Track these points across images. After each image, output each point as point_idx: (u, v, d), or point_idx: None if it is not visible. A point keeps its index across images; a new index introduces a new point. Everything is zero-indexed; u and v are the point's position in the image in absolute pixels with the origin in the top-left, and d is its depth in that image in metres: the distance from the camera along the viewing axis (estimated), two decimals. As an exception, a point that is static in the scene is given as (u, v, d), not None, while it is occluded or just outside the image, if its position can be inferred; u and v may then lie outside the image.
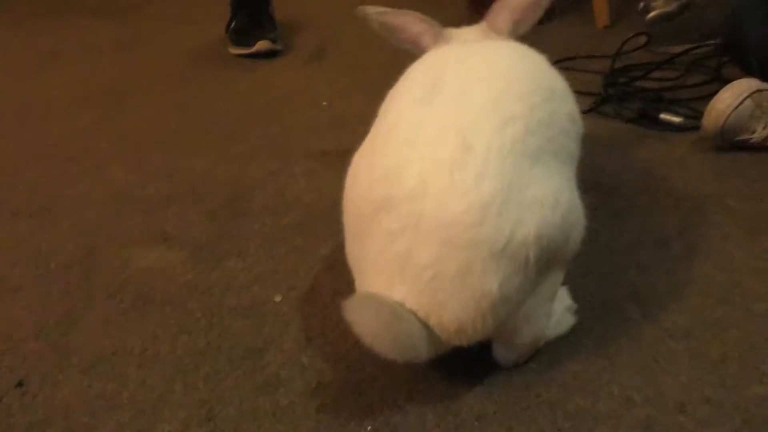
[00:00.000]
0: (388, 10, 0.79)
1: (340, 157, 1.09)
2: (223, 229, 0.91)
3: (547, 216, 0.54)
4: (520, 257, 0.53)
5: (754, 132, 1.01)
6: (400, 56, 1.61)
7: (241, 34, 1.62)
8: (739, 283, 0.77)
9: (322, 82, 1.44)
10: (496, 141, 0.54)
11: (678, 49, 1.44)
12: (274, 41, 1.60)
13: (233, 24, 1.66)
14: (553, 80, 0.65)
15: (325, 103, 1.34)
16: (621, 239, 0.86)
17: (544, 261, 0.55)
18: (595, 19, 1.75)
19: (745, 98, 0.99)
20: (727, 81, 1.19)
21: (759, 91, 1.01)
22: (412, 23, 0.80)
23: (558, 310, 0.68)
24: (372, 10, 0.79)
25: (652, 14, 1.77)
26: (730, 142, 1.03)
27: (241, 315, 0.75)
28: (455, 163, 0.52)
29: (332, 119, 1.25)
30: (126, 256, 0.86)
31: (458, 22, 1.95)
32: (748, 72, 1.13)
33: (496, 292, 0.53)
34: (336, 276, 0.80)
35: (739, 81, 1.03)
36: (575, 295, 0.75)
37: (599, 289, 0.77)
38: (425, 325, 0.54)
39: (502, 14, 0.79)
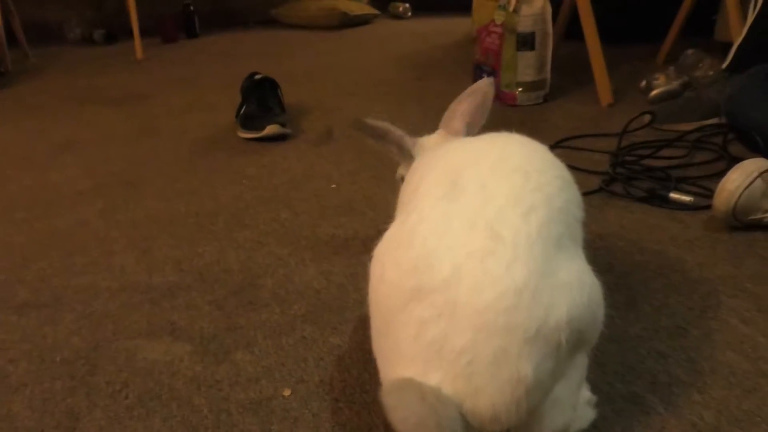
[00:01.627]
0: (375, 120, 0.88)
1: (348, 242, 1.10)
2: (231, 319, 0.89)
3: (575, 298, 0.55)
4: (553, 340, 0.54)
5: (766, 211, 1.00)
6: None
7: (251, 119, 1.66)
8: (765, 371, 0.75)
9: (330, 165, 1.46)
10: (523, 229, 0.56)
11: (684, 127, 1.46)
12: (283, 125, 1.64)
13: (243, 109, 1.71)
14: (561, 169, 0.66)
15: (334, 186, 1.35)
16: (637, 326, 0.84)
17: (573, 342, 0.55)
18: (599, 98, 1.79)
19: (755, 178, 1.00)
20: (734, 158, 1.20)
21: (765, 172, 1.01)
22: (394, 129, 0.88)
23: (578, 404, 0.65)
24: (368, 120, 0.88)
25: (654, 92, 1.81)
26: (742, 221, 1.02)
27: (249, 411, 0.73)
28: (486, 251, 0.54)
29: (340, 203, 1.26)
30: (132, 349, 0.84)
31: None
32: (754, 150, 1.14)
33: (531, 376, 0.53)
34: (346, 368, 0.78)
35: (747, 161, 1.03)
36: (593, 386, 0.72)
37: (618, 380, 0.74)
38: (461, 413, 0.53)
39: (456, 119, 0.88)
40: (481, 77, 1.94)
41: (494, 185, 0.59)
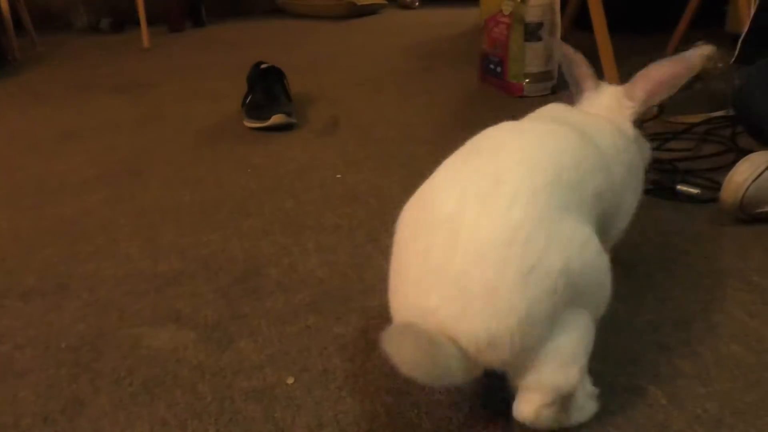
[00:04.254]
0: (576, 54, 0.91)
1: (353, 231, 1.10)
2: (235, 307, 0.90)
3: (573, 253, 0.58)
4: (548, 284, 0.57)
5: (766, 206, 1.00)
6: (412, 130, 1.65)
7: (257, 108, 1.66)
8: (770, 364, 0.74)
9: (335, 156, 1.46)
10: (528, 182, 0.60)
11: (692, 118, 1.45)
12: (289, 114, 1.64)
13: (249, 98, 1.71)
14: (584, 158, 0.68)
15: (338, 176, 1.35)
16: (641, 318, 0.83)
17: (570, 295, 0.58)
18: (605, 90, 1.77)
19: (764, 170, 0.99)
20: (742, 151, 1.19)
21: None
22: (584, 65, 0.91)
23: (579, 396, 0.66)
24: (565, 46, 0.92)
25: (661, 84, 1.79)
26: (749, 214, 1.01)
27: (252, 399, 0.73)
28: (489, 193, 0.59)
29: (345, 192, 1.26)
30: (137, 337, 0.84)
31: (470, 94, 1.99)
32: (762, 143, 1.13)
33: (523, 309, 0.56)
34: (349, 357, 0.79)
35: (756, 153, 1.02)
36: (596, 379, 0.72)
37: (621, 372, 0.74)
38: (459, 349, 0.57)
39: (640, 83, 0.84)
40: (488, 68, 1.94)
41: (508, 151, 0.64)
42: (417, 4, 3.61)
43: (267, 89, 1.70)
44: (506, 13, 1.82)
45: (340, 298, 0.91)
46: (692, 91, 1.68)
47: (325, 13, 3.32)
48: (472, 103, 1.83)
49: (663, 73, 0.83)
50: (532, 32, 1.78)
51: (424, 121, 1.68)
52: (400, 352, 0.56)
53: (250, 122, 1.65)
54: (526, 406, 0.62)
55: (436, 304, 0.57)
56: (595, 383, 0.70)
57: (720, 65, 1.72)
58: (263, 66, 1.76)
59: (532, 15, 1.76)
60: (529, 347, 0.58)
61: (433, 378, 0.58)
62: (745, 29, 1.40)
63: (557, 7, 1.80)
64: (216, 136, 1.63)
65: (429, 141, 1.52)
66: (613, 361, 0.76)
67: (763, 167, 0.99)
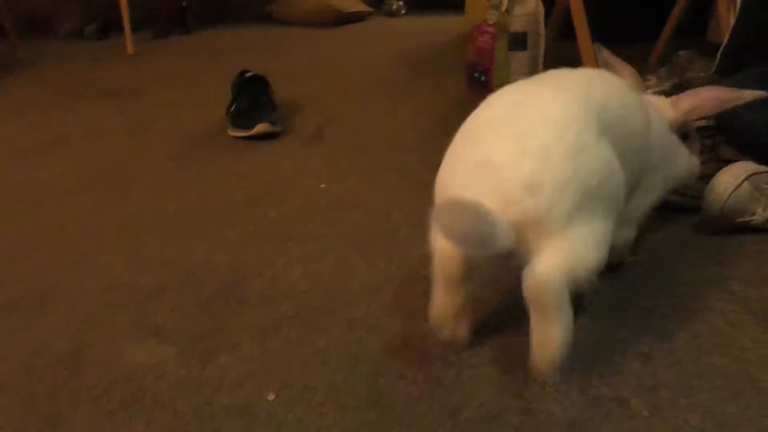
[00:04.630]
0: (615, 58, 1.01)
1: (337, 242, 1.09)
2: (217, 320, 0.89)
3: (606, 164, 0.71)
4: (591, 167, 0.69)
5: (754, 214, 1.00)
6: (398, 138, 1.64)
7: (241, 117, 1.65)
8: (752, 375, 0.75)
9: (320, 164, 1.45)
10: (552, 134, 0.69)
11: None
12: (273, 123, 1.63)
13: (234, 106, 1.70)
14: (629, 104, 0.82)
15: (323, 185, 1.34)
16: (624, 328, 0.84)
17: (599, 192, 0.70)
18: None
19: (743, 180, 1.00)
20: (723, 161, 1.20)
21: (756, 173, 1.01)
22: (624, 71, 0.99)
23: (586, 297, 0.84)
24: (605, 51, 1.03)
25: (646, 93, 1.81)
26: (731, 224, 1.02)
27: (232, 415, 0.72)
28: (521, 139, 0.70)
29: (330, 202, 1.25)
30: (116, 352, 0.83)
31: (456, 102, 1.99)
32: (743, 153, 1.14)
33: (570, 171, 0.68)
34: (331, 372, 0.78)
35: (736, 164, 1.03)
36: (580, 390, 0.72)
37: (604, 383, 0.74)
38: (498, 216, 0.65)
39: (688, 97, 0.93)
40: (473, 77, 1.94)
41: (531, 102, 0.74)
42: (403, 11, 3.62)
43: (252, 98, 1.70)
44: (491, 22, 1.83)
45: (323, 310, 0.90)
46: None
47: (312, 20, 3.32)
48: (458, 111, 1.81)
49: (713, 94, 0.91)
50: (516, 42, 1.79)
51: (411, 129, 1.68)
52: (450, 223, 0.65)
53: (234, 131, 1.65)
54: (541, 265, 0.68)
55: (495, 153, 0.70)
56: (579, 394, 0.70)
57: (702, 75, 1.74)
58: (248, 74, 1.75)
59: (516, 25, 1.77)
60: (562, 211, 0.68)
61: (477, 244, 0.66)
62: (726, 40, 1.41)
63: (541, 17, 1.81)
64: (201, 144, 1.62)
65: (415, 149, 1.52)
66: (597, 371, 0.76)
67: (742, 177, 1.00)
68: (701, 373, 0.75)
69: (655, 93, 0.99)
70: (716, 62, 1.50)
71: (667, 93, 1.79)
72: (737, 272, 0.95)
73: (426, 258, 1.01)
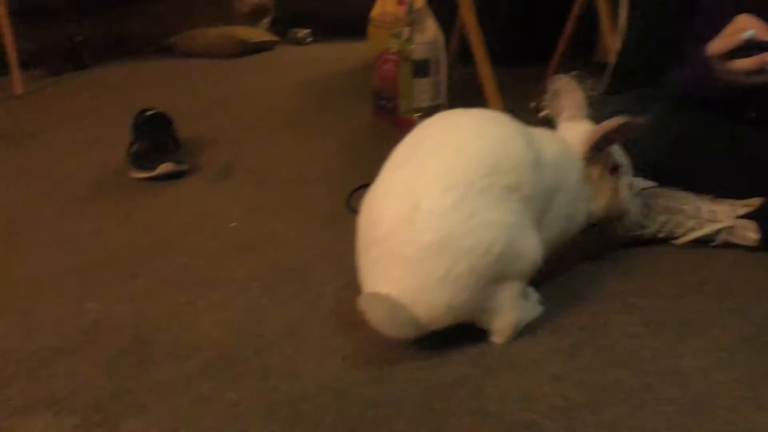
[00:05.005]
0: (569, 86, 1.05)
1: (248, 285, 1.07)
2: (121, 382, 0.84)
3: (479, 258, 0.79)
4: (458, 284, 0.79)
5: (644, 228, 1.06)
6: (308, 170, 1.64)
7: (143, 158, 1.59)
8: (650, 385, 0.78)
9: (229, 203, 1.42)
10: (439, 203, 0.79)
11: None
12: (178, 162, 1.58)
13: (135, 147, 1.63)
14: (500, 157, 0.83)
15: (233, 224, 1.31)
16: (534, 350, 0.86)
17: (485, 282, 0.80)
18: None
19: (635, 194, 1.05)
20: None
21: (644, 188, 1.07)
22: (569, 102, 1.03)
23: (529, 302, 0.92)
24: (562, 79, 1.06)
25: (543, 113, 1.89)
26: (623, 238, 1.07)
27: (140, 485, 0.68)
28: (408, 218, 0.79)
29: (241, 242, 1.22)
30: (5, 431, 0.76)
31: (364, 130, 2.00)
32: (638, 171, 1.21)
33: (445, 302, 0.80)
34: (244, 427, 0.75)
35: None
36: (494, 419, 0.73)
37: (517, 408, 0.76)
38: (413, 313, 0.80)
39: (591, 131, 0.97)
40: (380, 105, 1.97)
41: (430, 164, 0.82)
42: (309, 40, 3.63)
43: (154, 137, 1.64)
44: (393, 50, 1.86)
45: (235, 359, 0.88)
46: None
47: (216, 51, 3.26)
48: (366, 139, 1.85)
49: (605, 126, 0.94)
50: (419, 69, 1.83)
51: (320, 160, 1.68)
52: (374, 311, 0.79)
53: (136, 172, 1.58)
54: (493, 337, 0.87)
55: (391, 234, 0.81)
56: (495, 423, 0.71)
57: (593, 93, 1.84)
58: (148, 113, 1.69)
59: (418, 53, 1.81)
60: (461, 314, 0.82)
61: (396, 331, 0.80)
62: (613, 62, 1.50)
63: (442, 44, 1.86)
64: (101, 189, 1.54)
65: (325, 180, 1.52)
66: (510, 398, 0.77)
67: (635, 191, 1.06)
68: (606, 389, 0.78)
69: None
70: (605, 83, 1.60)
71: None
72: (633, 285, 1.00)
73: (339, 293, 1.01)
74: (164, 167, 1.55)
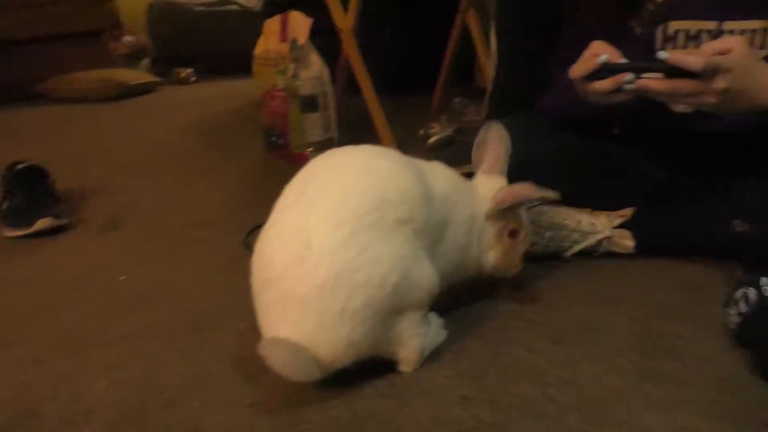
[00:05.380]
0: (496, 137, 1.04)
1: (144, 340, 1.01)
2: (5, 464, 0.76)
3: (373, 291, 0.79)
4: (356, 319, 0.79)
5: (534, 243, 1.12)
6: (199, 214, 1.59)
7: (17, 215, 1.48)
8: (552, 396, 0.82)
9: (117, 255, 1.35)
10: (330, 240, 0.79)
11: (464, 170, 1.59)
12: (57, 216, 1.48)
13: (6, 203, 1.52)
14: (388, 191, 0.84)
15: (122, 277, 1.24)
16: (441, 373, 0.87)
17: (383, 314, 0.81)
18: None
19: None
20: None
21: (531, 207, 1.13)
22: (492, 151, 1.04)
23: (432, 328, 0.92)
24: (493, 128, 1.05)
25: (432, 140, 1.96)
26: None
27: None
28: (301, 257, 0.79)
29: (132, 297, 1.16)
30: None
31: (257, 168, 1.98)
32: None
33: (345, 338, 0.79)
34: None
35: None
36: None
37: (430, 436, 0.76)
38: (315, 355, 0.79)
39: (501, 192, 0.99)
40: (271, 141, 1.96)
41: (319, 203, 0.81)
42: (193, 79, 3.55)
43: (28, 192, 1.53)
44: (280, 87, 1.86)
45: (135, 421, 0.82)
46: (456, 145, 1.87)
47: (93, 95, 3.11)
48: (259, 177, 1.83)
49: (516, 191, 0.97)
50: (307, 104, 1.84)
51: (212, 202, 1.63)
52: (275, 356, 0.78)
53: (10, 231, 1.46)
54: (401, 366, 0.88)
55: (283, 275, 0.80)
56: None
57: (477, 119, 1.93)
58: (20, 166, 1.58)
59: (305, 89, 1.83)
60: (362, 351, 0.82)
61: (299, 374, 0.79)
62: (489, 89, 1.59)
63: (327, 78, 1.89)
64: (-32, 252, 1.41)
65: (218, 223, 1.48)
66: (424, 425, 0.78)
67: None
68: (512, 405, 0.81)
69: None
70: (486, 109, 1.68)
71: (451, 138, 1.96)
72: (530, 300, 1.05)
73: (242, 338, 0.98)
74: (42, 223, 1.45)
